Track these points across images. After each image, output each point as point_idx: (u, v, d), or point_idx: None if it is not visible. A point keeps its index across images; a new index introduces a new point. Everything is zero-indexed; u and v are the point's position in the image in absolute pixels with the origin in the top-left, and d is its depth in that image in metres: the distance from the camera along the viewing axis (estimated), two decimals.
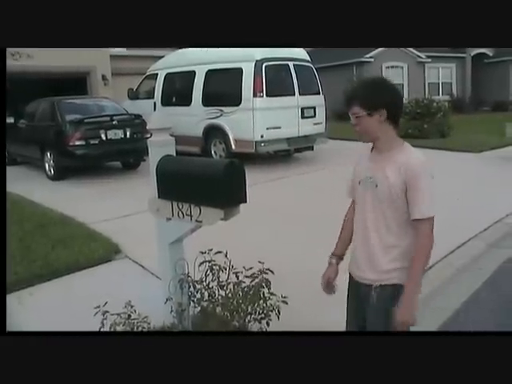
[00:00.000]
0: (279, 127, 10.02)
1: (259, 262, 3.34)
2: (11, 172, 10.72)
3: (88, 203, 7.66)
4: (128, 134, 9.65)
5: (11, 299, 4.28)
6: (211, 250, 3.33)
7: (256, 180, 7.86)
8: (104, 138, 9.37)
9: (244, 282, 3.27)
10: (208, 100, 10.70)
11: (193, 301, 3.32)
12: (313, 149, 11.32)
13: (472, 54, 27.01)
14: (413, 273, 2.20)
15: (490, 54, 27.44)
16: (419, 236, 2.21)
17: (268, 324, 3.17)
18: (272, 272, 3.28)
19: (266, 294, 3.21)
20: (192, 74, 11.10)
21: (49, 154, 9.59)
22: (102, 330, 3.05)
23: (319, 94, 11.08)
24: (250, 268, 3.35)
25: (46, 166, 9.69)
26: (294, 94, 10.38)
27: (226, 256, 3.31)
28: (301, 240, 5.59)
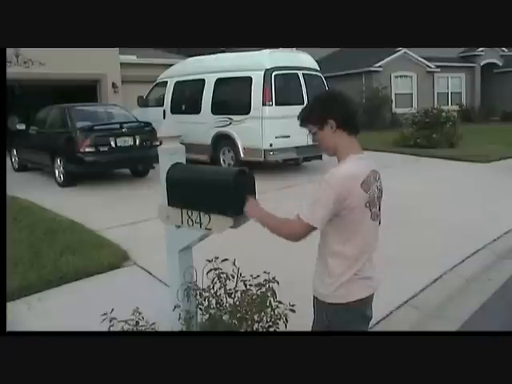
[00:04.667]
0: (288, 136, 10.03)
1: (265, 272, 3.34)
2: (22, 178, 10.83)
3: (97, 210, 7.70)
4: (137, 141, 9.71)
5: (21, 304, 4.32)
6: (218, 257, 3.34)
7: (265, 188, 7.87)
8: (114, 145, 9.43)
9: (251, 290, 3.28)
10: (217, 108, 10.74)
11: (200, 308, 3.32)
12: (321, 158, 11.31)
13: (481, 64, 26.98)
14: (269, 219, 2.46)
15: (500, 64, 27.39)
16: (290, 223, 2.32)
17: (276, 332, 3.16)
18: (277, 282, 3.28)
19: (273, 303, 3.21)
20: (201, 82, 11.16)
21: (59, 161, 9.66)
22: None
23: None
24: (257, 276, 3.35)
25: (56, 172, 9.75)
26: (303, 103, 10.37)
27: (234, 264, 3.31)
28: (309, 247, 5.57)
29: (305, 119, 2.38)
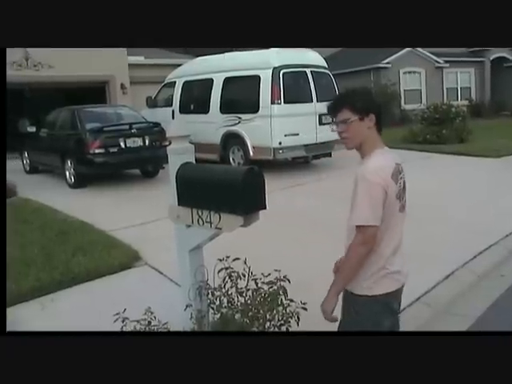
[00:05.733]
0: (297, 134, 10.02)
1: (275, 270, 3.34)
2: (33, 180, 10.91)
3: (108, 211, 7.73)
4: (147, 141, 9.73)
5: (34, 305, 4.35)
6: (229, 257, 3.34)
7: (274, 187, 7.87)
8: (123, 146, 9.46)
9: (263, 289, 3.28)
10: (226, 107, 10.75)
11: (212, 307, 3.33)
12: (331, 155, 11.30)
13: (491, 58, 26.75)
14: (337, 276, 2.38)
15: (510, 58, 27.13)
16: (351, 244, 2.28)
17: (288, 330, 3.16)
18: (288, 280, 3.28)
19: (284, 301, 3.21)
20: (210, 81, 11.17)
21: (69, 162, 9.71)
22: None
23: None
24: (269, 274, 3.35)
25: (67, 173, 9.80)
26: (312, 101, 10.37)
27: (245, 263, 3.32)
28: (319, 246, 5.57)
29: (350, 104, 2.31)
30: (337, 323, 2.46)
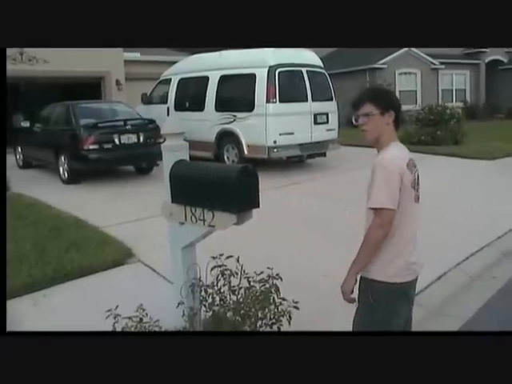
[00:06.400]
0: (292, 133, 10.02)
1: (268, 267, 3.35)
2: (26, 175, 10.86)
3: (101, 207, 7.71)
4: (141, 138, 9.70)
5: (25, 301, 4.34)
6: (222, 254, 3.34)
7: (269, 186, 7.88)
8: (117, 142, 9.43)
9: (255, 287, 3.28)
10: (221, 105, 10.74)
11: (204, 305, 3.33)
12: (325, 155, 11.30)
13: (486, 61, 26.86)
14: (355, 258, 2.43)
15: (505, 61, 27.26)
16: (369, 227, 2.39)
17: (279, 329, 3.17)
18: (281, 278, 3.29)
19: (276, 299, 3.21)
20: (205, 79, 11.15)
21: (63, 158, 9.67)
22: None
23: (332, 100, 11.07)
24: (261, 273, 3.36)
25: (61, 169, 9.76)
26: (307, 100, 10.37)
27: (237, 261, 3.32)
28: (313, 245, 5.59)
29: (373, 99, 2.48)
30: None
